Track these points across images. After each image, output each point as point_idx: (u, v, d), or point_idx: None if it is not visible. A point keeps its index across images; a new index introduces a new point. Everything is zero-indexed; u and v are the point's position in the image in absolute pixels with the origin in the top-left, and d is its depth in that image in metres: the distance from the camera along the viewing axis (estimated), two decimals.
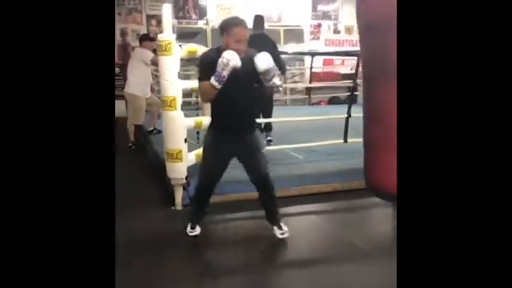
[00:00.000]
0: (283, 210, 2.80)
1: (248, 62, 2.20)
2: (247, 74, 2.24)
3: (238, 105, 2.34)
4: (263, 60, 2.18)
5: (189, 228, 2.68)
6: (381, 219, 3.10)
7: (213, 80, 2.16)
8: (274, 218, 2.65)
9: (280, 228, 2.64)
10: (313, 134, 4.36)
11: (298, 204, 3.30)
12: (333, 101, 8.74)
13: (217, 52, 2.24)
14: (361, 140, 1.85)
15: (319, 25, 9.20)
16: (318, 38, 9.23)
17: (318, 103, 8.91)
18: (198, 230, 2.68)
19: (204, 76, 2.26)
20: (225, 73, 2.13)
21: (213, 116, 2.49)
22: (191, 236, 2.65)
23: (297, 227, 2.90)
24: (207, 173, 2.54)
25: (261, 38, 4.23)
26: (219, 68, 2.13)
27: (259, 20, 4.57)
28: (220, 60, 2.13)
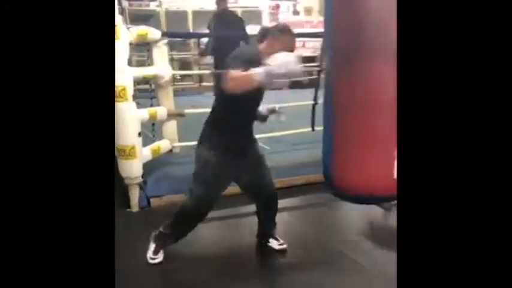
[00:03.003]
0: (249, 208, 2.48)
1: None
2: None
3: (248, 120, 2.15)
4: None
5: (150, 254, 2.22)
6: (360, 215, 2.88)
7: (258, 72, 1.69)
8: (271, 233, 2.40)
9: (277, 239, 2.39)
10: (277, 122, 4.11)
11: None
12: (294, 86, 8.50)
13: (256, 51, 1.99)
14: None
15: (278, 6, 8.94)
16: (277, 20, 8.96)
17: (280, 88, 8.66)
18: (161, 257, 2.23)
19: (241, 63, 1.79)
20: (278, 74, 1.71)
21: (218, 131, 2.06)
22: (152, 263, 2.20)
23: None
24: (205, 199, 2.09)
25: (229, 15, 3.98)
26: (274, 63, 1.71)
27: None
28: (284, 57, 1.72)
